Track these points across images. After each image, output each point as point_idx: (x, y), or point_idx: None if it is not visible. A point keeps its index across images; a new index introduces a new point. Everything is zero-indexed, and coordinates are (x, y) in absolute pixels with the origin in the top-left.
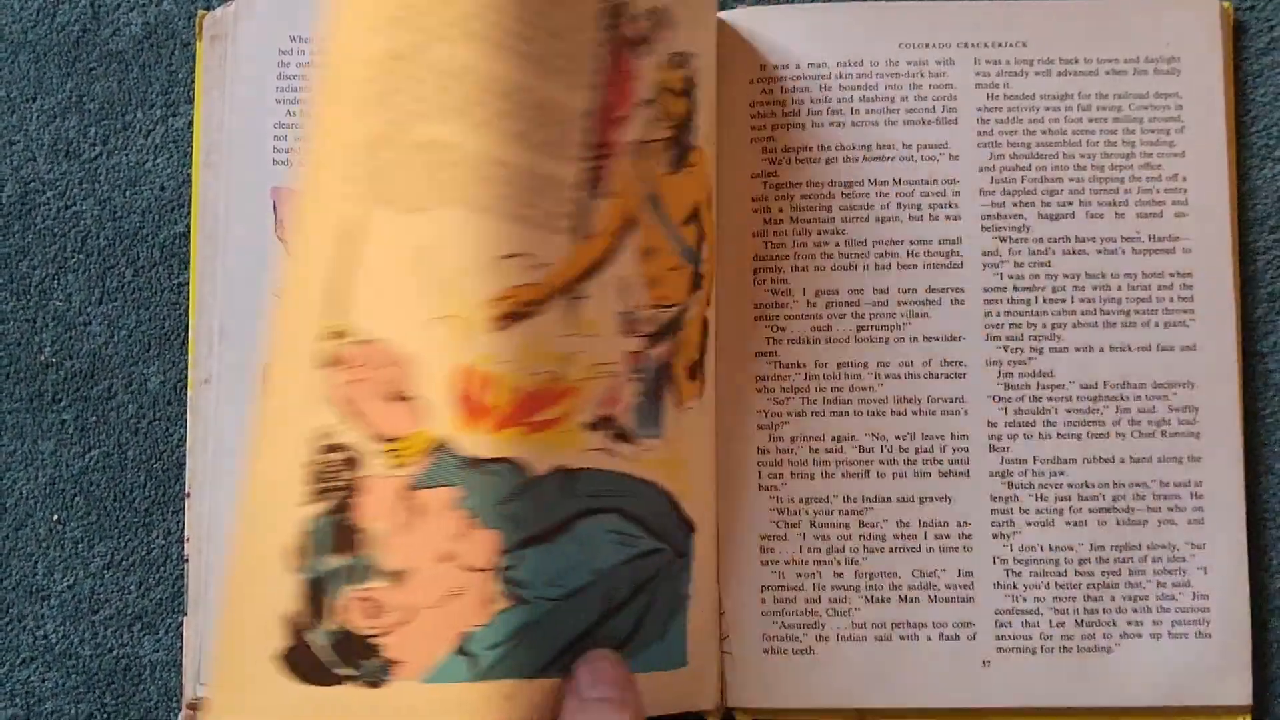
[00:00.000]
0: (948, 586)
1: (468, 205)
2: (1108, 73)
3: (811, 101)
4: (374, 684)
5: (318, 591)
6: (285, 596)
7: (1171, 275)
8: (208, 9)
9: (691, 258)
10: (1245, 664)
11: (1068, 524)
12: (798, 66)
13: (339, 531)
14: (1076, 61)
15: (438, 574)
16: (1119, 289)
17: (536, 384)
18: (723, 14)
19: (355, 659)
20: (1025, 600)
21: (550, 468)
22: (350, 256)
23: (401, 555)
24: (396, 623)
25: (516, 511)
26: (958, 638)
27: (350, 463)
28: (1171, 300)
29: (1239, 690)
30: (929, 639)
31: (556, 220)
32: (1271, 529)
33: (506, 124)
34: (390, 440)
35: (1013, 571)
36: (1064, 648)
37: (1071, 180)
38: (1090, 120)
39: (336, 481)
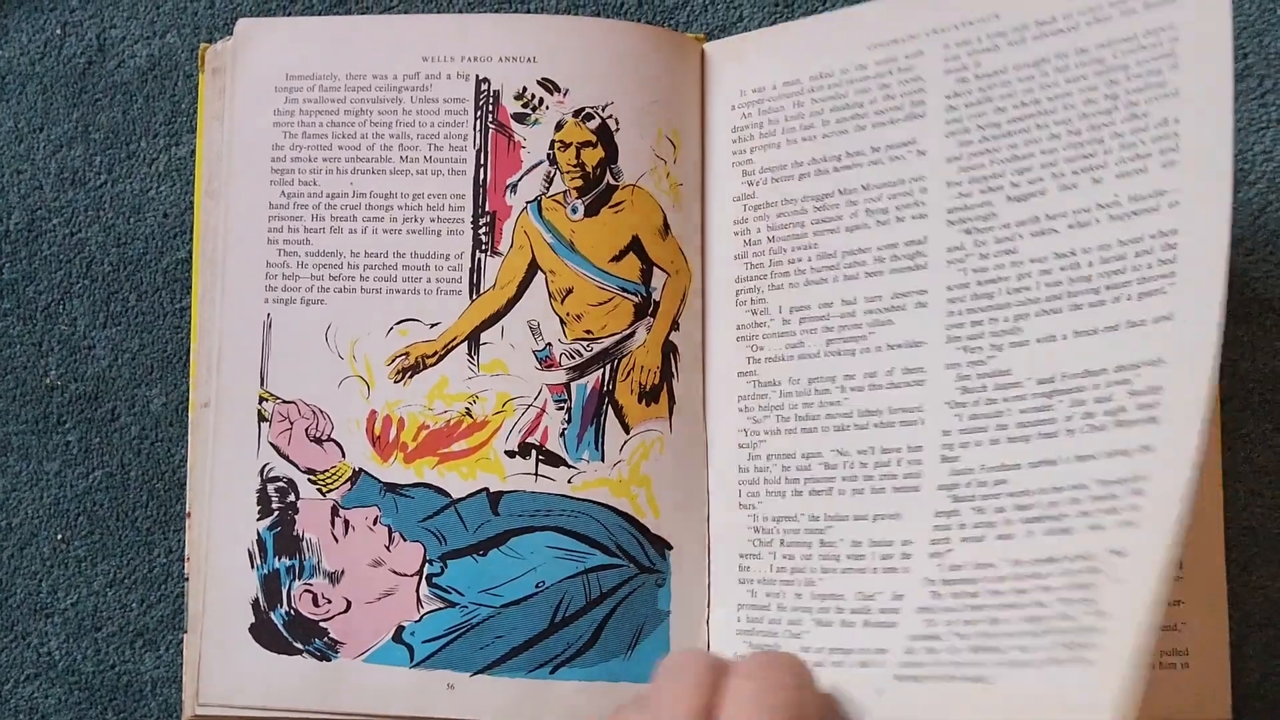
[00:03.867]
0: (881, 611)
1: (356, 292)
2: (1089, 23)
3: (785, 120)
4: (323, 658)
5: (273, 583)
6: (250, 585)
7: (1151, 238)
8: (210, 42)
9: (633, 289)
10: (1225, 681)
11: (997, 538)
12: (773, 88)
13: (283, 540)
14: (1054, 20)
15: (370, 576)
16: (1089, 265)
17: (443, 421)
18: (705, 45)
19: (307, 637)
20: (936, 625)
21: (471, 491)
22: (266, 340)
23: (337, 559)
24: (337, 611)
25: (437, 528)
26: (867, 665)
27: (287, 489)
28: (1149, 266)
29: (1218, 706)
30: (841, 665)
31: (447, 284)
32: (1250, 546)
33: (382, 225)
34: (316, 472)
35: (936, 594)
36: (951, 675)
37: (1044, 153)
38: (1068, 81)
39: (280, 503)
